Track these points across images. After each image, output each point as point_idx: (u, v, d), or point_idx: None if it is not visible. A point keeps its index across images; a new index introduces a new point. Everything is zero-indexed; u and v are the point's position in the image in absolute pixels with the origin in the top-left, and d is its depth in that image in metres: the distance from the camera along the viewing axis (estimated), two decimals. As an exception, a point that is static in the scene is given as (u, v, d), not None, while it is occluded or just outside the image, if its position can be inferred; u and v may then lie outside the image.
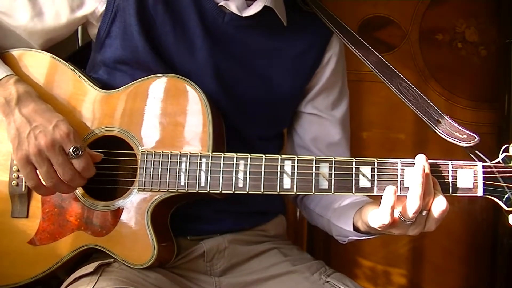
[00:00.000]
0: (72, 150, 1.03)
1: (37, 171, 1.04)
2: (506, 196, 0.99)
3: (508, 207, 0.99)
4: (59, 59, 1.18)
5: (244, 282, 1.22)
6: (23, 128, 1.04)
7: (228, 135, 1.17)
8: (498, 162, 1.00)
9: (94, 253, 1.15)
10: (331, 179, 1.02)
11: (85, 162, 1.05)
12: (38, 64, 1.18)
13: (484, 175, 1.00)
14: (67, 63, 1.18)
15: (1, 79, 1.09)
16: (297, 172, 1.03)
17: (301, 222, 2.17)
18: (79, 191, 1.13)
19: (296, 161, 1.03)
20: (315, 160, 1.03)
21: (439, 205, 0.98)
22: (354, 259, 2.23)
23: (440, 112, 1.11)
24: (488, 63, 2.19)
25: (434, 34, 2.19)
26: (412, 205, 0.96)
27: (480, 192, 1.00)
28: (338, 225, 1.22)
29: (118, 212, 1.10)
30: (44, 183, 1.05)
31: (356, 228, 1.15)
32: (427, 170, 0.98)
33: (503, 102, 2.13)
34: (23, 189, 1.14)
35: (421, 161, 0.99)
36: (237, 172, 1.04)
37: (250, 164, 1.04)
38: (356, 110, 2.14)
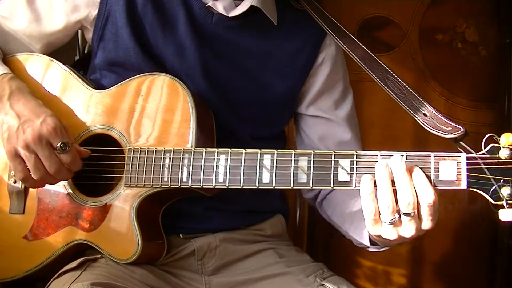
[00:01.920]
0: (60, 145, 1.05)
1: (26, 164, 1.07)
2: (493, 188, 0.92)
3: (495, 200, 0.92)
4: (58, 62, 1.22)
5: (234, 281, 1.21)
6: (12, 123, 1.07)
7: (222, 134, 1.18)
8: (484, 153, 0.94)
9: (89, 249, 1.16)
10: (310, 173, 0.99)
11: (72, 157, 1.07)
12: (37, 66, 1.22)
13: (468, 167, 0.94)
14: (65, 66, 1.21)
15: None
16: (276, 166, 1.02)
17: (301, 222, 2.17)
18: (70, 187, 1.16)
19: (275, 155, 1.02)
20: (294, 153, 1.01)
21: (425, 197, 0.92)
22: (354, 259, 2.23)
23: (427, 105, 1.07)
24: (488, 63, 2.19)
25: (434, 34, 2.19)
26: (383, 204, 0.92)
27: (463, 185, 0.94)
28: (357, 239, 1.17)
29: (106, 208, 1.12)
30: (32, 175, 1.07)
31: (373, 242, 1.10)
32: (396, 167, 0.93)
33: (503, 102, 2.13)
34: (20, 186, 1.17)
35: (378, 165, 0.94)
36: (217, 166, 1.04)
37: (230, 159, 1.04)
38: (357, 110, 2.14)
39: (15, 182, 1.17)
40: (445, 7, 2.18)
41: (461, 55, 2.19)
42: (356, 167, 0.98)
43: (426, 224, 0.94)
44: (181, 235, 1.23)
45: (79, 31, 1.35)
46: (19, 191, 1.17)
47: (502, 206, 0.92)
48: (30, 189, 1.17)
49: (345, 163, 0.98)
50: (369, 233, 1.06)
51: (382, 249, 1.11)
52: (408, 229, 0.94)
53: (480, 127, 2.16)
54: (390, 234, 0.95)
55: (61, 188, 1.16)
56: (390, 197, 0.93)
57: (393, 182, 0.94)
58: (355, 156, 0.98)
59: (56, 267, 1.14)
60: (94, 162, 1.14)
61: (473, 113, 2.18)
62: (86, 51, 1.48)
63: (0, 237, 1.18)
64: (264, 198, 1.30)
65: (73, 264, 1.10)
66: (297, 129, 1.40)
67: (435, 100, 2.15)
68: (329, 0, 2.00)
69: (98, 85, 1.21)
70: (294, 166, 1.01)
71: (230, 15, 1.20)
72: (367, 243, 1.11)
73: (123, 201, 1.11)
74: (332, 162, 0.99)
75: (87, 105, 1.18)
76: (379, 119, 2.20)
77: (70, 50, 1.47)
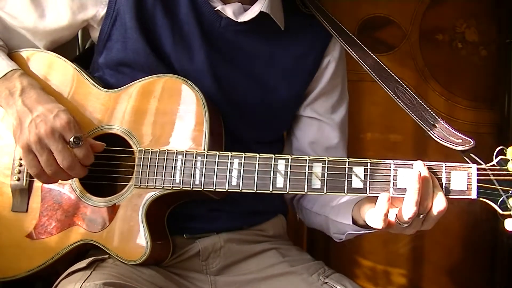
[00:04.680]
0: (73, 139, 1.05)
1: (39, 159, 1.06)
2: (501, 199, 0.97)
3: (503, 210, 0.97)
4: (64, 59, 1.21)
5: (240, 281, 1.22)
6: (24, 118, 1.06)
7: (226, 138, 1.18)
8: (493, 165, 0.98)
9: (92, 249, 1.15)
10: (324, 179, 1.01)
11: (85, 151, 1.06)
12: (43, 63, 1.20)
13: (478, 178, 0.98)
14: (72, 63, 1.20)
15: (7, 73, 1.12)
16: (290, 172, 1.03)
17: (301, 222, 2.15)
18: (77, 187, 1.14)
19: (289, 160, 1.03)
20: (309, 159, 1.03)
21: (438, 205, 0.97)
22: (354, 259, 2.23)
23: (436, 117, 1.09)
24: (488, 63, 2.19)
25: (434, 34, 2.19)
26: (408, 211, 0.96)
27: (474, 195, 0.98)
28: (336, 220, 1.21)
29: (114, 208, 1.11)
30: (45, 170, 1.06)
31: (354, 221, 1.14)
32: (424, 174, 0.97)
33: (503, 102, 2.14)
34: (23, 184, 1.16)
35: (417, 167, 0.98)
36: (231, 170, 1.05)
37: (244, 163, 1.05)
38: (356, 110, 2.14)
39: (18, 180, 1.16)
40: (445, 7, 2.18)
41: (461, 55, 2.19)
42: (370, 175, 1.00)
43: (427, 226, 1.00)
44: (185, 235, 1.22)
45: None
46: (22, 189, 1.17)
47: (509, 216, 0.97)
48: (34, 188, 1.16)
49: (359, 170, 1.01)
50: (353, 217, 1.12)
51: (361, 232, 1.14)
52: (412, 228, 1.00)
53: (480, 127, 2.17)
54: (395, 230, 1.01)
55: (67, 186, 1.15)
56: (416, 208, 0.96)
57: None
58: (368, 164, 1.01)
59: (59, 267, 1.13)
60: (102, 162, 1.13)
61: (473, 113, 2.18)
62: (85, 48, 1.46)
63: (1, 235, 1.17)
64: (266, 198, 1.28)
65: (82, 263, 1.09)
66: (288, 133, 1.40)
67: (435, 100, 2.16)
68: (329, 0, 2.00)
69: (105, 85, 1.20)
70: (308, 172, 1.02)
71: (239, 20, 1.20)
72: (350, 222, 1.14)
73: (133, 202, 1.11)
74: (346, 169, 1.01)
75: (96, 104, 1.17)
76: (379, 119, 2.21)
77: (70, 47, 1.45)
